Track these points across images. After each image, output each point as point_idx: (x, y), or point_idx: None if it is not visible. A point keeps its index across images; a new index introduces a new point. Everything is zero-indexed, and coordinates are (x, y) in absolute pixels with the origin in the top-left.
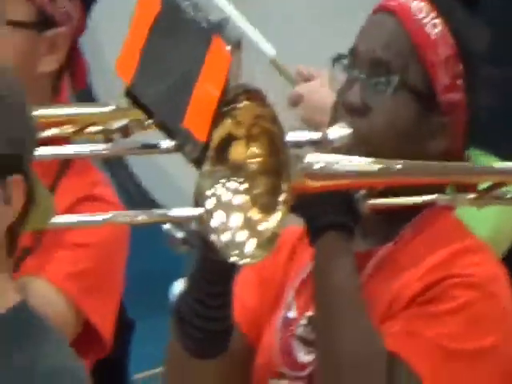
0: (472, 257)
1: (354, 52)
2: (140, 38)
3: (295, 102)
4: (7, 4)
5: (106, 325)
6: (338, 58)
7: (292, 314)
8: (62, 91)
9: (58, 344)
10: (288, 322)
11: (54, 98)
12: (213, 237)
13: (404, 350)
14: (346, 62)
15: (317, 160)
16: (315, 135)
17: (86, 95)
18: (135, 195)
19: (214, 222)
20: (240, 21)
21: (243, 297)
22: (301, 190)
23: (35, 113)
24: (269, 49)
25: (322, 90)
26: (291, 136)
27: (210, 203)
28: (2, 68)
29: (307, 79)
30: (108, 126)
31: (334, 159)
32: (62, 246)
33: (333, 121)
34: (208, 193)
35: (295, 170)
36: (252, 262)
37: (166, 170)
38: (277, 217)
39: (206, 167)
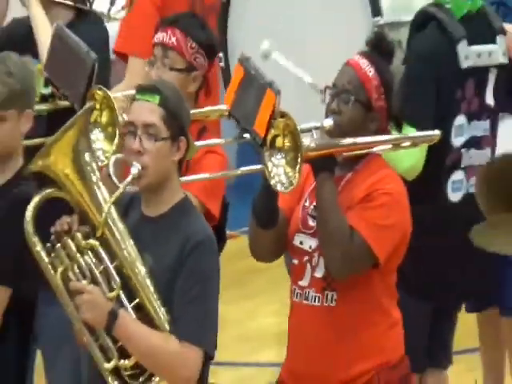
0: (389, 179)
1: (334, 84)
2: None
3: None
4: (170, 59)
5: (215, 209)
6: (326, 87)
7: (307, 203)
8: (200, 97)
9: (201, 220)
10: (305, 207)
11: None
12: (269, 178)
13: (355, 224)
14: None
15: (313, 142)
16: (316, 124)
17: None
18: None
19: (271, 173)
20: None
21: (284, 198)
22: (307, 156)
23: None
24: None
25: None
26: (304, 125)
27: (269, 166)
28: (172, 85)
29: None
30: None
31: (324, 141)
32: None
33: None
34: (267, 162)
35: (304, 148)
36: (286, 189)
37: None
38: (296, 169)
39: (266, 151)
